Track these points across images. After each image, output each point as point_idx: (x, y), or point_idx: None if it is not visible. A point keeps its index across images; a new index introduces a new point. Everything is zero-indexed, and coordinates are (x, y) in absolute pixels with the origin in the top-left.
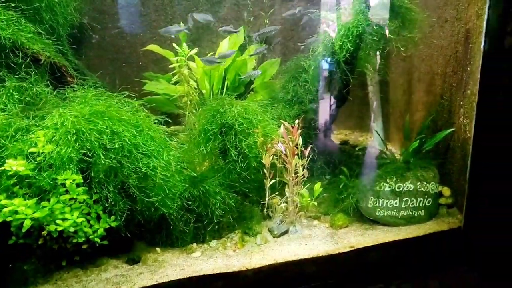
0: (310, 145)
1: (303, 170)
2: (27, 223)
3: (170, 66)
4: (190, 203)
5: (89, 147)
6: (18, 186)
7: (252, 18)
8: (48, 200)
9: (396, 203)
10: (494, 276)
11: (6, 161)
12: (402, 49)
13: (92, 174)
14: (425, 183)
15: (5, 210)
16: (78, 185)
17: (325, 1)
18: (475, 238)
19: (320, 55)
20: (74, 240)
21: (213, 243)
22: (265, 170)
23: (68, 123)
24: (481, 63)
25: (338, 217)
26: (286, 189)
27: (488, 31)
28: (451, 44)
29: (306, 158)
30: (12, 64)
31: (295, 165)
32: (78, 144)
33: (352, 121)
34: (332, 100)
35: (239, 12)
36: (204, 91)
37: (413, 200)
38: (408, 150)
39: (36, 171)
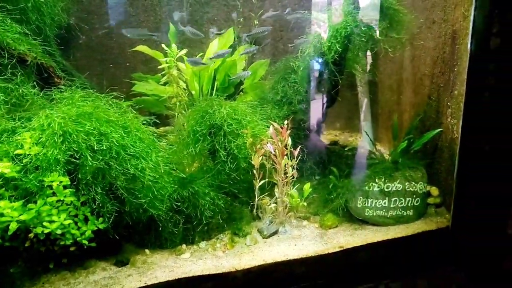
0: (300, 146)
1: (292, 170)
2: (13, 226)
3: (160, 66)
4: (179, 204)
5: (76, 149)
6: (3, 188)
7: (241, 19)
8: (35, 202)
9: (385, 203)
10: (480, 277)
11: None
12: (390, 50)
13: (80, 176)
14: (413, 183)
15: None
16: (65, 187)
17: (316, 1)
18: (462, 238)
19: (309, 56)
20: (62, 243)
21: (203, 244)
22: (255, 171)
23: (54, 124)
24: (468, 64)
25: (327, 217)
26: (276, 190)
27: (474, 32)
28: (439, 45)
29: (296, 159)
30: None
31: (285, 166)
32: (65, 146)
33: (342, 121)
34: (322, 100)
35: (229, 13)
36: (193, 92)
37: (401, 200)
38: (397, 150)
39: (22, 173)
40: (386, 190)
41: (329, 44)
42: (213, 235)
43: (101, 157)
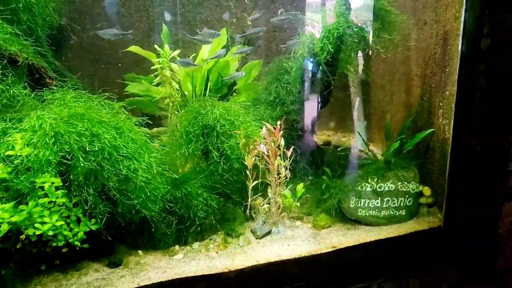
0: (293, 146)
1: (285, 171)
2: (4, 227)
3: (152, 67)
4: (172, 205)
5: (68, 150)
6: None
7: (234, 20)
8: (26, 204)
9: (377, 203)
10: (471, 276)
11: None
12: (382, 50)
13: (72, 177)
14: (405, 183)
15: None
16: (57, 188)
17: (310, 2)
18: (454, 237)
19: (301, 56)
20: (54, 244)
21: (196, 245)
22: (248, 172)
23: (46, 125)
24: (459, 65)
25: (320, 217)
26: (269, 190)
27: (465, 33)
28: (430, 46)
29: (289, 159)
30: None
31: (278, 166)
32: (57, 147)
33: (335, 122)
34: (315, 101)
35: (222, 14)
36: (186, 93)
37: (394, 200)
38: (389, 151)
39: (13, 174)
40: (378, 190)
41: (322, 45)
42: (206, 235)
43: (93, 158)
